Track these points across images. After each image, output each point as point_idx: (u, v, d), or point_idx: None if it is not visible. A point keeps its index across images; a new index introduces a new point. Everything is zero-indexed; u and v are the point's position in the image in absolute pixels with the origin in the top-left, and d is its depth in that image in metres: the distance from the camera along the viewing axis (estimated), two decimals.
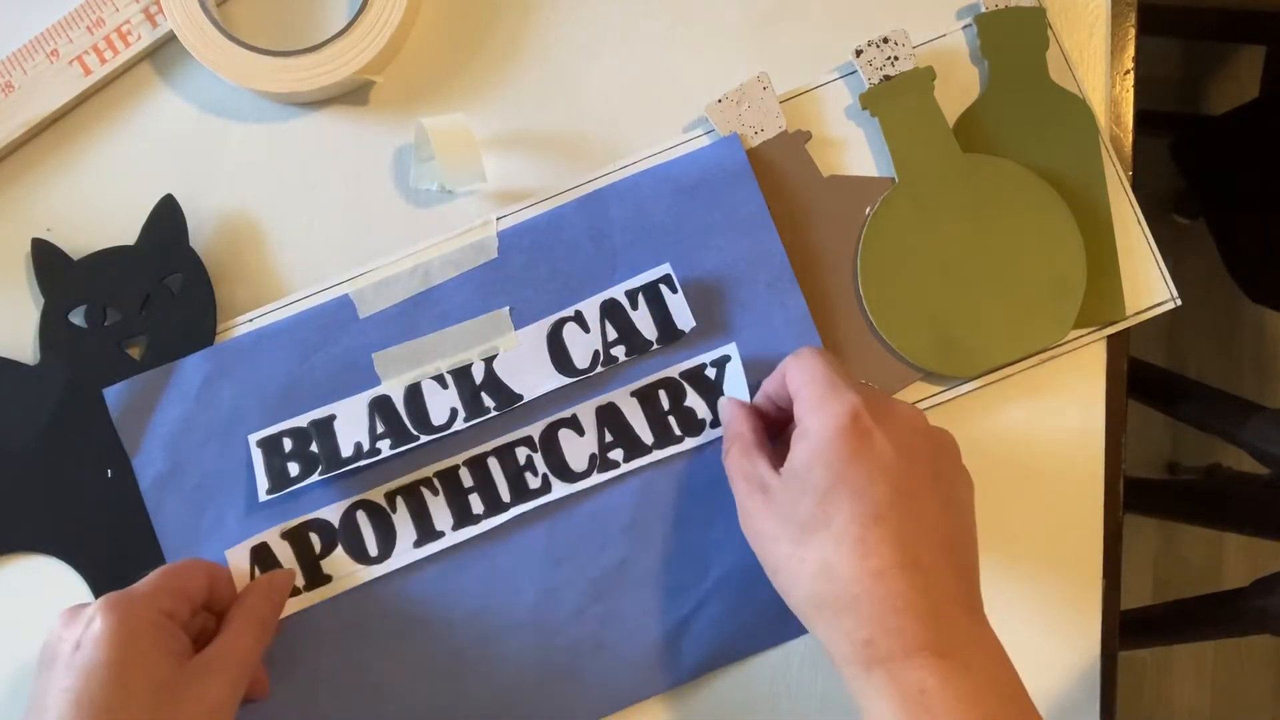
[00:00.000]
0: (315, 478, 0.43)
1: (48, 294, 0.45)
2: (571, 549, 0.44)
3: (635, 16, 0.48)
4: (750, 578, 0.44)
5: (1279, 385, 1.32)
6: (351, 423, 0.44)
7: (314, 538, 0.44)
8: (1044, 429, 0.46)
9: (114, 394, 0.44)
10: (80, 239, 0.46)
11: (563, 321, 0.45)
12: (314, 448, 0.44)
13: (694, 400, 0.44)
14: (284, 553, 0.44)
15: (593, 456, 0.44)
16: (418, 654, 0.44)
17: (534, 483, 0.44)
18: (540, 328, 0.45)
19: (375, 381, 0.44)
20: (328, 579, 0.44)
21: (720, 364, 0.45)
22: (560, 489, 0.44)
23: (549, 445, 0.44)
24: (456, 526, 0.44)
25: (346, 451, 0.44)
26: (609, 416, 0.44)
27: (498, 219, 0.46)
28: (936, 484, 0.37)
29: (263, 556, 0.44)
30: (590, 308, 0.45)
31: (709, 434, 0.44)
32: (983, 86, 0.47)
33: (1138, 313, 0.46)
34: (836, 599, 0.35)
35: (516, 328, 0.45)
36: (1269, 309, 1.04)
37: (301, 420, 0.44)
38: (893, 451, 0.36)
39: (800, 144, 0.46)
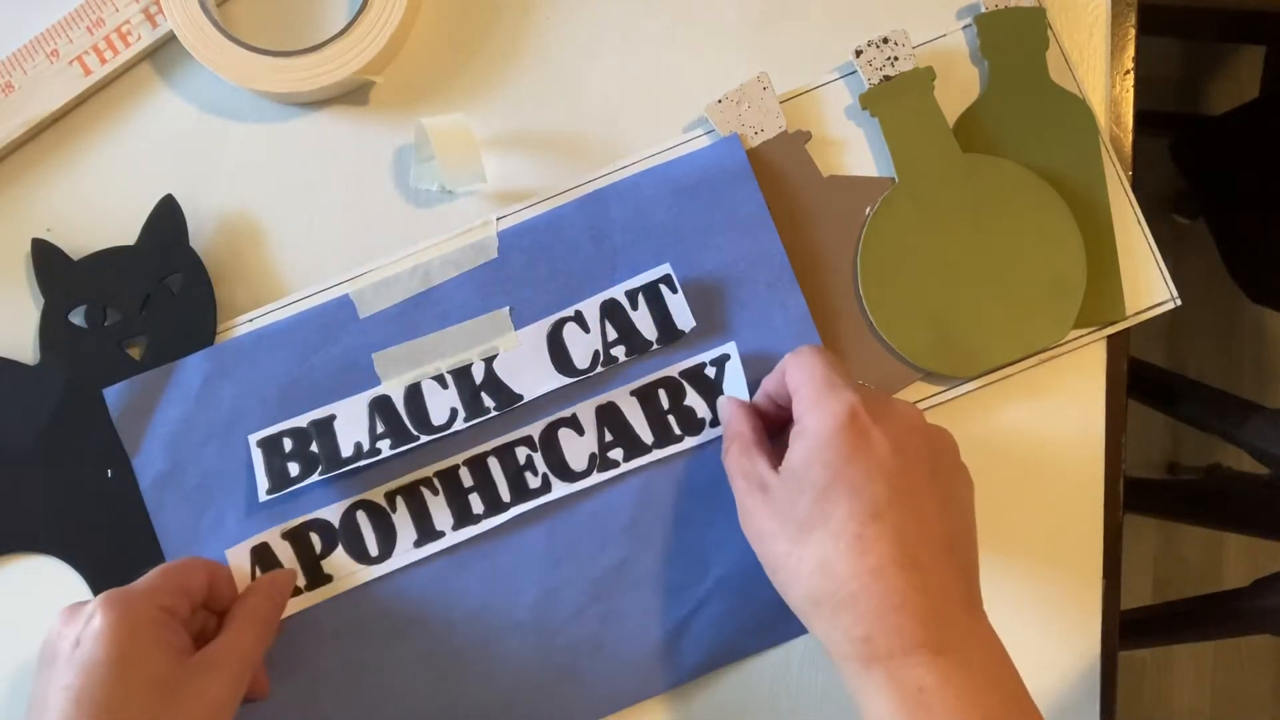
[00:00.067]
0: (315, 478, 0.43)
1: (48, 294, 0.45)
2: (571, 549, 0.44)
3: (635, 16, 0.48)
4: (750, 578, 0.44)
5: (1279, 385, 1.32)
6: (351, 423, 0.44)
7: (314, 538, 0.44)
8: (1044, 429, 0.46)
9: (114, 394, 0.44)
10: (80, 239, 0.46)
11: (563, 321, 0.45)
12: (314, 448, 0.44)
13: (694, 399, 0.44)
14: (285, 553, 0.44)
15: (592, 456, 0.44)
16: (418, 654, 0.44)
17: (534, 482, 0.44)
18: (540, 328, 0.45)
19: (375, 381, 0.44)
20: (328, 579, 0.44)
21: (720, 363, 0.45)
22: (560, 489, 0.44)
23: (549, 445, 0.44)
24: (457, 526, 0.44)
25: (346, 451, 0.44)
26: (609, 416, 0.44)
27: (498, 219, 0.46)
28: (934, 482, 0.37)
29: (263, 556, 0.44)
30: (590, 308, 0.45)
31: (709, 433, 0.44)
32: (983, 86, 0.47)
33: (1138, 313, 0.46)
34: (834, 596, 0.35)
35: (516, 328, 0.45)
36: (1269, 309, 1.04)
37: (301, 420, 0.44)
38: (890, 450, 0.36)
39: (800, 144, 0.46)
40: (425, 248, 0.46)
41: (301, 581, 0.44)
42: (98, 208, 0.47)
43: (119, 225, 0.46)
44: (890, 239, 0.46)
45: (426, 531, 0.44)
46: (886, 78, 0.46)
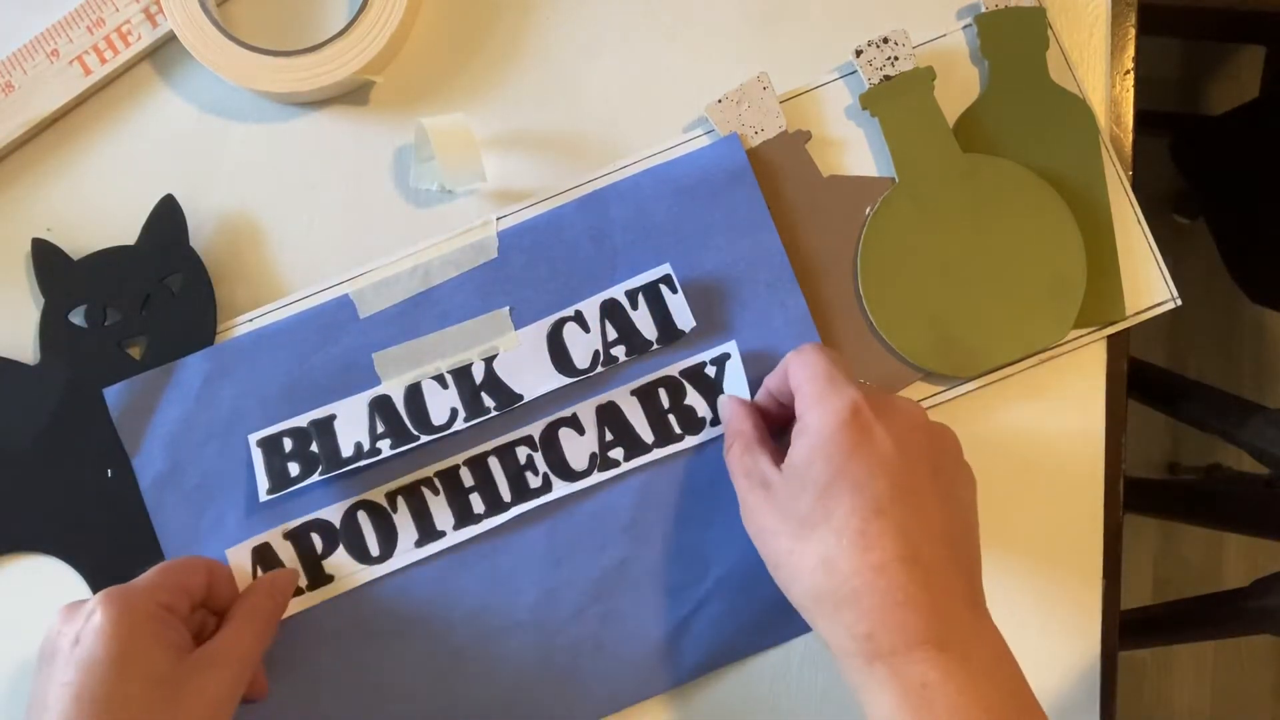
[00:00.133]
0: (315, 478, 0.43)
1: (48, 294, 0.45)
2: (571, 549, 0.44)
3: (635, 16, 0.48)
4: (750, 577, 0.44)
5: (1279, 385, 1.32)
6: (352, 423, 0.44)
7: (315, 538, 0.44)
8: (1044, 429, 0.46)
9: (114, 394, 0.44)
10: (80, 239, 0.46)
11: (563, 321, 0.45)
12: (314, 448, 0.44)
13: (694, 398, 0.44)
14: (286, 553, 0.44)
15: (593, 455, 0.44)
16: (418, 654, 0.44)
17: (534, 482, 0.44)
18: (540, 328, 0.45)
19: (375, 381, 0.44)
20: (329, 579, 0.44)
21: (720, 362, 0.45)
22: (561, 488, 0.44)
23: (549, 444, 0.44)
24: (458, 526, 0.44)
25: (347, 451, 0.44)
26: (609, 415, 0.44)
27: (498, 219, 0.46)
28: (936, 479, 0.37)
29: (265, 556, 0.44)
30: (590, 308, 0.45)
31: (709, 432, 0.44)
32: (983, 86, 0.47)
33: (1138, 313, 0.46)
34: (837, 593, 0.35)
35: (516, 328, 0.45)
36: (1269, 309, 1.04)
37: (301, 420, 0.44)
38: (893, 446, 0.36)
39: (800, 144, 0.46)
40: (425, 248, 0.46)
41: (303, 581, 0.44)
42: (98, 208, 0.47)
43: (119, 225, 0.46)
44: (890, 239, 0.46)
45: (427, 531, 0.44)
46: (886, 78, 0.46)
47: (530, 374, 0.44)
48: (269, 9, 0.48)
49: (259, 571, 0.44)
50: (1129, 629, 0.89)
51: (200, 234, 0.46)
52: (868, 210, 0.46)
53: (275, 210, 0.47)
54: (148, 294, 0.45)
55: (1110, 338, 0.46)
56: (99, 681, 0.35)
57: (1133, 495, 0.78)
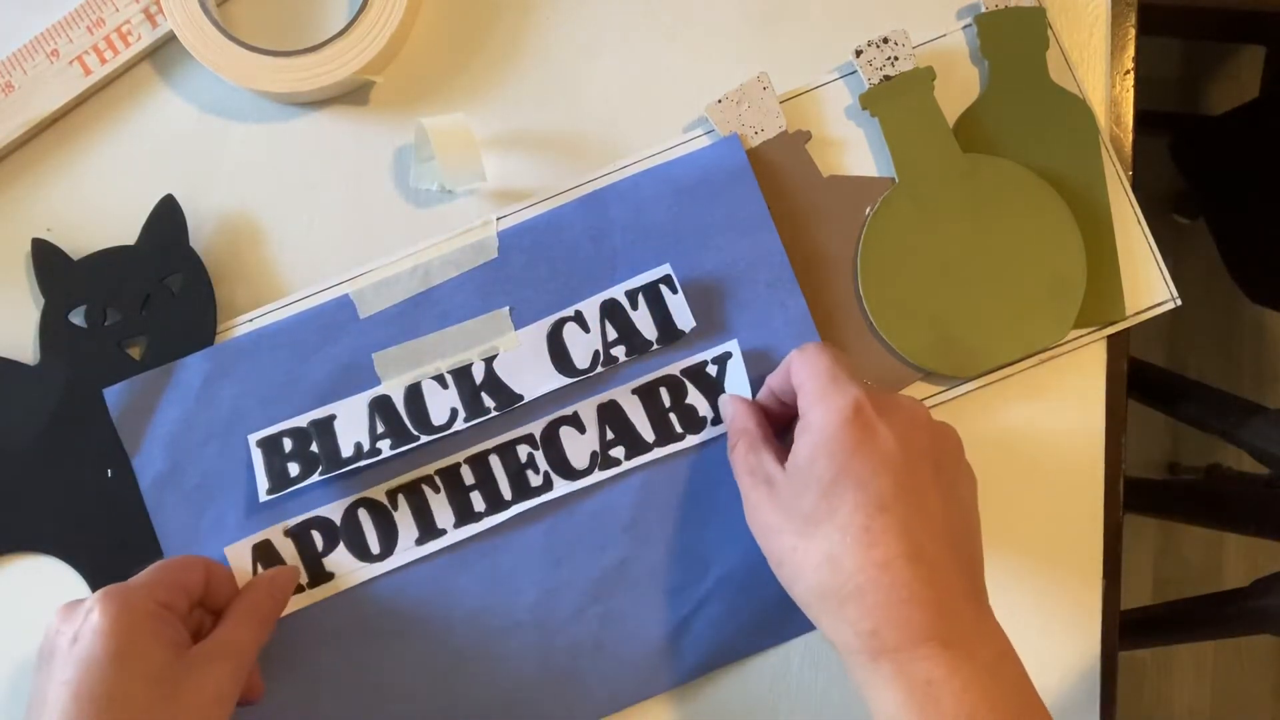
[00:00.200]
0: (315, 478, 0.43)
1: (48, 294, 0.45)
2: (571, 549, 0.44)
3: (635, 16, 0.48)
4: (751, 577, 0.44)
5: (1279, 385, 1.32)
6: (352, 423, 0.44)
7: (316, 535, 0.44)
8: (1044, 429, 0.46)
9: (114, 394, 0.44)
10: (80, 239, 0.46)
11: (563, 321, 0.45)
12: (314, 448, 0.44)
13: (695, 397, 0.44)
14: (287, 550, 0.44)
15: (594, 454, 0.44)
16: (418, 654, 0.44)
17: (535, 480, 0.44)
18: (540, 328, 0.45)
19: (375, 381, 0.44)
20: (330, 576, 0.44)
21: (721, 361, 0.45)
22: (562, 486, 0.44)
23: (550, 443, 0.44)
24: (458, 524, 0.44)
25: (347, 451, 0.44)
26: (610, 414, 0.44)
27: (498, 219, 0.46)
28: (939, 477, 0.37)
29: (265, 554, 0.44)
30: (590, 308, 0.45)
31: (710, 431, 0.44)
32: (983, 86, 0.47)
33: (1138, 313, 0.46)
34: (841, 590, 0.35)
35: (516, 328, 0.45)
36: (1269, 309, 1.04)
37: (301, 420, 0.44)
38: (895, 444, 0.36)
39: (800, 144, 0.46)
40: (425, 248, 0.46)
41: (303, 579, 0.44)
42: (98, 208, 0.47)
43: (119, 225, 0.46)
44: (890, 239, 0.46)
45: (428, 529, 0.44)
46: (886, 78, 0.46)
47: (530, 374, 0.44)
48: (269, 9, 0.48)
49: (259, 569, 0.44)
50: (1129, 629, 0.89)
51: (200, 234, 0.46)
52: (868, 210, 0.46)
53: (275, 210, 0.47)
54: (148, 294, 0.45)
55: (1110, 338, 0.46)
56: (98, 679, 0.35)
57: (1133, 495, 0.78)
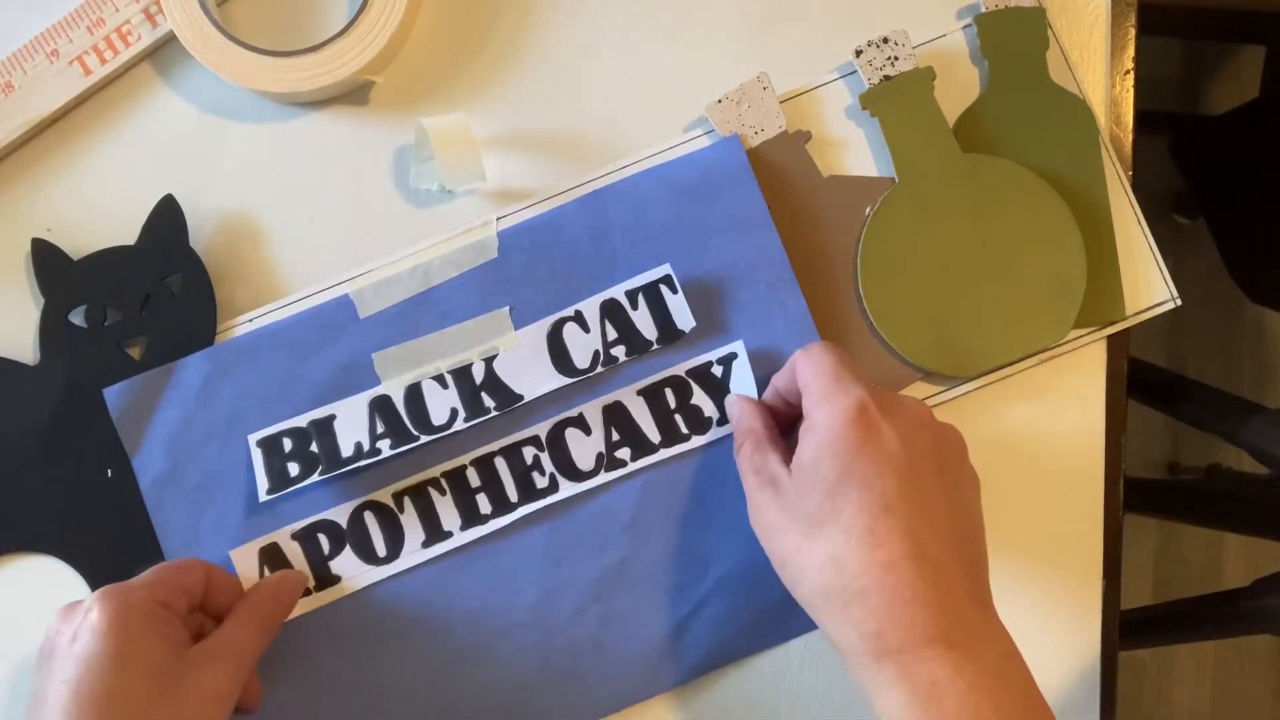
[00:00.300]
0: (315, 478, 0.43)
1: (48, 294, 0.45)
2: (571, 549, 0.44)
3: (635, 16, 0.48)
4: (751, 577, 0.44)
5: (1279, 385, 1.32)
6: (351, 423, 0.44)
7: (322, 538, 0.44)
8: (1044, 429, 0.46)
9: (114, 394, 0.44)
10: (80, 239, 0.46)
11: (563, 321, 0.45)
12: (314, 448, 0.44)
13: (700, 398, 0.44)
14: (293, 553, 0.44)
15: (600, 455, 0.44)
16: (418, 654, 0.44)
17: (541, 482, 0.44)
18: (540, 328, 0.45)
19: (375, 381, 0.44)
20: (336, 580, 0.44)
21: (727, 361, 0.45)
22: (568, 488, 0.44)
23: (556, 444, 0.44)
24: (464, 526, 0.44)
25: (347, 451, 0.44)
26: (616, 415, 0.44)
27: (498, 219, 0.46)
28: (942, 478, 0.37)
29: (272, 556, 0.44)
30: (590, 308, 0.45)
31: (715, 432, 0.44)
32: (983, 86, 0.47)
33: (1138, 313, 0.46)
34: (845, 590, 0.35)
35: (516, 328, 0.45)
36: (1269, 309, 1.04)
37: (301, 420, 0.44)
38: (900, 444, 0.36)
39: (800, 144, 0.46)
40: (425, 248, 0.46)
41: (310, 583, 0.44)
42: (98, 208, 0.47)
43: (119, 225, 0.46)
44: (890, 239, 0.46)
45: (434, 532, 0.44)
46: (886, 78, 0.46)
47: (530, 374, 0.44)
48: (269, 9, 0.48)
49: (265, 572, 0.44)
50: (1129, 629, 0.89)
51: (200, 234, 0.46)
52: (868, 210, 0.46)
53: (275, 210, 0.47)
54: (148, 294, 0.45)
55: (1110, 338, 0.46)
56: (98, 677, 0.35)
57: (1133, 495, 0.78)
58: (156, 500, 0.44)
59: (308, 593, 0.44)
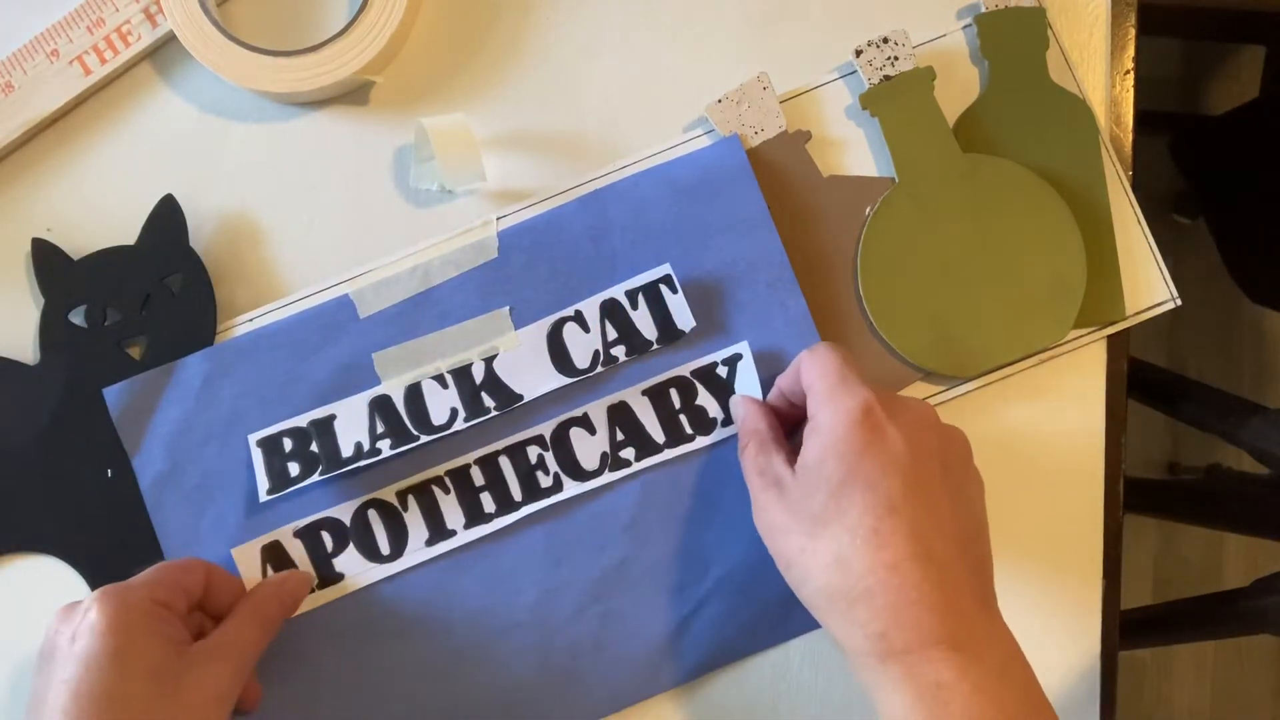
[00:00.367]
0: (315, 478, 0.43)
1: (48, 294, 0.45)
2: (571, 549, 0.44)
3: (635, 16, 0.48)
4: (751, 577, 0.44)
5: (1279, 385, 1.32)
6: (352, 423, 0.44)
7: (326, 536, 0.44)
8: (1044, 429, 0.46)
9: (114, 394, 0.44)
10: (80, 239, 0.46)
11: (563, 321, 0.45)
12: (314, 448, 0.44)
13: (705, 399, 0.44)
14: (296, 551, 0.44)
15: (604, 455, 0.44)
16: (418, 654, 0.44)
17: (545, 481, 0.44)
18: (540, 328, 0.45)
19: (375, 381, 0.44)
20: (339, 578, 0.44)
21: (732, 362, 0.45)
22: (572, 488, 0.44)
23: (560, 444, 0.44)
24: (468, 525, 0.44)
25: (347, 451, 0.44)
26: (620, 415, 0.44)
27: (498, 219, 0.46)
28: (947, 478, 0.37)
29: (275, 554, 0.44)
30: (590, 308, 0.45)
31: (720, 433, 0.44)
32: (983, 86, 0.47)
33: (1138, 313, 0.46)
34: (850, 591, 0.35)
35: (516, 328, 0.45)
36: (1269, 309, 1.04)
37: (301, 420, 0.44)
38: (905, 445, 0.36)
39: (800, 144, 0.46)
40: (425, 248, 0.46)
41: (315, 581, 0.44)
42: (98, 208, 0.47)
43: (119, 225, 0.46)
44: (890, 239, 0.46)
45: (438, 530, 0.44)
46: (886, 78, 0.46)
47: (530, 374, 0.44)
48: (269, 9, 0.48)
49: (269, 570, 0.44)
50: (1129, 629, 0.89)
51: (200, 234, 0.46)
52: (868, 210, 0.46)
53: (275, 210, 0.47)
54: (148, 294, 0.45)
55: (1110, 338, 0.46)
56: (98, 677, 0.35)
57: (1133, 495, 0.78)
58: (156, 500, 0.44)
59: (311, 590, 0.43)
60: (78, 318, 0.45)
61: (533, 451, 0.44)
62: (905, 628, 0.34)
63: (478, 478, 0.44)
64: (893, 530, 0.35)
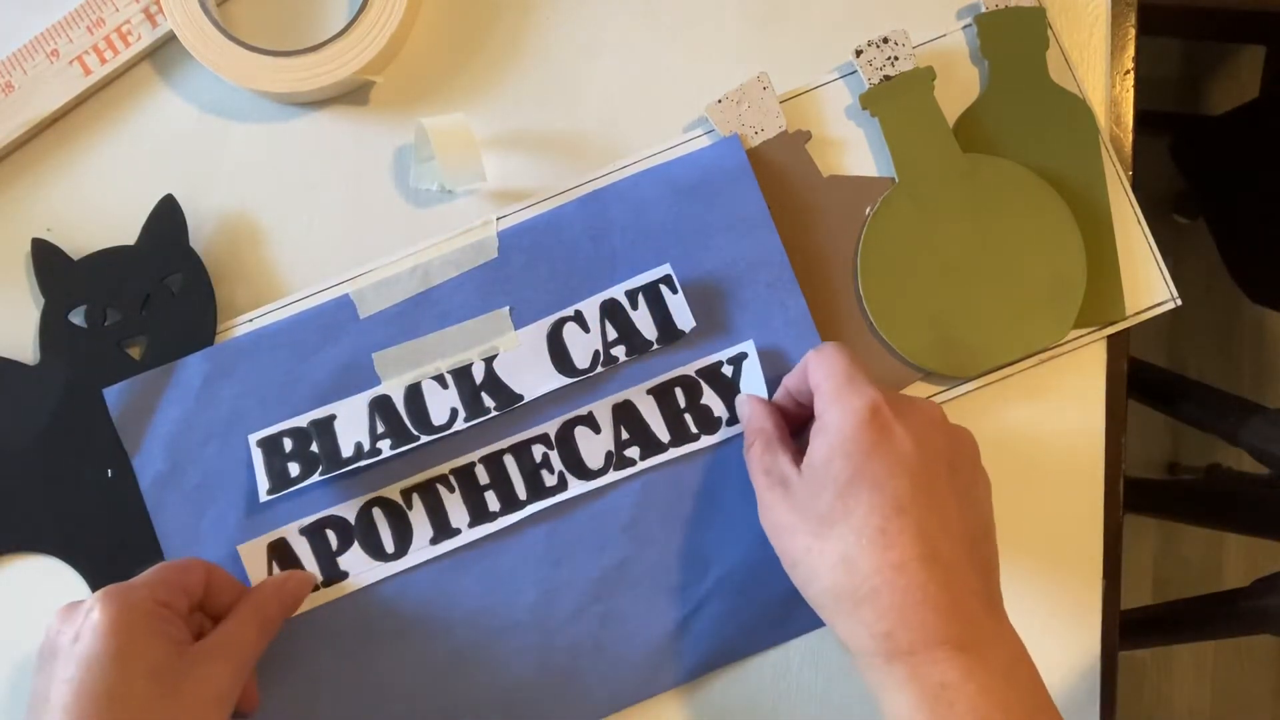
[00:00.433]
0: (315, 478, 0.43)
1: (48, 294, 0.45)
2: (571, 549, 0.44)
3: (635, 16, 0.48)
4: (751, 577, 0.44)
5: (1279, 385, 1.32)
6: (352, 423, 0.44)
7: (330, 534, 0.44)
8: (1044, 429, 0.46)
9: (114, 394, 0.44)
10: (80, 239, 0.46)
11: (563, 321, 0.45)
12: (314, 448, 0.44)
13: (710, 398, 0.44)
14: (302, 549, 0.44)
15: (609, 454, 0.44)
16: (418, 654, 0.44)
17: (550, 480, 0.44)
18: (540, 328, 0.45)
19: (375, 381, 0.44)
20: (343, 576, 0.44)
21: (737, 362, 0.45)
22: (576, 487, 0.44)
23: (565, 443, 0.44)
24: (473, 524, 0.44)
25: (347, 452, 0.44)
26: (625, 414, 0.44)
27: (498, 219, 0.46)
28: (954, 479, 0.37)
29: (280, 552, 0.44)
30: (590, 308, 0.45)
31: (725, 432, 0.44)
32: (983, 86, 0.47)
33: (1138, 313, 0.46)
34: (856, 591, 0.35)
35: (516, 328, 0.45)
36: (1269, 309, 1.04)
37: (301, 420, 0.44)
38: (912, 445, 0.36)
39: (800, 144, 0.46)
40: (425, 248, 0.46)
41: (319, 579, 0.44)
42: (98, 208, 0.47)
43: (119, 225, 0.46)
44: (890, 239, 0.46)
45: (442, 528, 0.44)
46: (886, 78, 0.46)
47: (530, 374, 0.44)
48: (269, 9, 0.48)
49: (274, 567, 0.44)
50: (1129, 629, 0.89)
51: (200, 234, 0.46)
52: (868, 210, 0.46)
53: (275, 210, 0.47)
54: (148, 294, 0.45)
55: (1110, 338, 0.46)
56: (99, 677, 0.35)
57: (1133, 495, 0.78)
58: (157, 500, 0.44)
59: (315, 589, 0.43)
60: (78, 318, 0.45)
61: (538, 450, 0.44)
62: (911, 628, 0.34)
63: (482, 476, 0.44)
64: (899, 530, 0.35)
